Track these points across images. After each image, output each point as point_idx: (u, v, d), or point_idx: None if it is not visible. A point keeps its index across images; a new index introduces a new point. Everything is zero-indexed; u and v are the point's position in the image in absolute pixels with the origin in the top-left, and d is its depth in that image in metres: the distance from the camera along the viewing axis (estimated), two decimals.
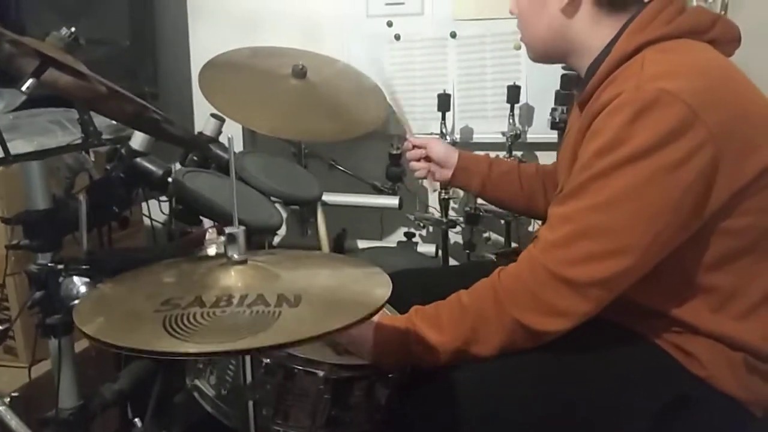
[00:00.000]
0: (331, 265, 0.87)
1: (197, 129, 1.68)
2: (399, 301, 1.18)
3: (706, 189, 0.89)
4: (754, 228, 0.94)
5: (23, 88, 0.71)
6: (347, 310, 0.66)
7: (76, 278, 1.01)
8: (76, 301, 0.98)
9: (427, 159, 1.45)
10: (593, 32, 1.04)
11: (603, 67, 0.99)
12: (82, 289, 1.00)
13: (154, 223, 1.44)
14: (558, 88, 1.70)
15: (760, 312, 0.97)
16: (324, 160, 2.00)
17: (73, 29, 0.88)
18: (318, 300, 0.70)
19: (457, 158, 1.43)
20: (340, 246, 1.83)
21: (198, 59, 2.12)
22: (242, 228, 0.74)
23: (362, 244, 1.85)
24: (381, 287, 0.72)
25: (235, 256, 0.74)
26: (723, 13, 1.69)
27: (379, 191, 1.94)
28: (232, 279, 0.73)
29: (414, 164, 1.45)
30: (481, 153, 1.51)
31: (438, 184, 1.45)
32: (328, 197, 1.83)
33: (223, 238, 0.74)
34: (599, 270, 0.90)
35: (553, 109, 1.70)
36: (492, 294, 0.96)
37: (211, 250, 0.77)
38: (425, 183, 1.44)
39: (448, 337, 0.98)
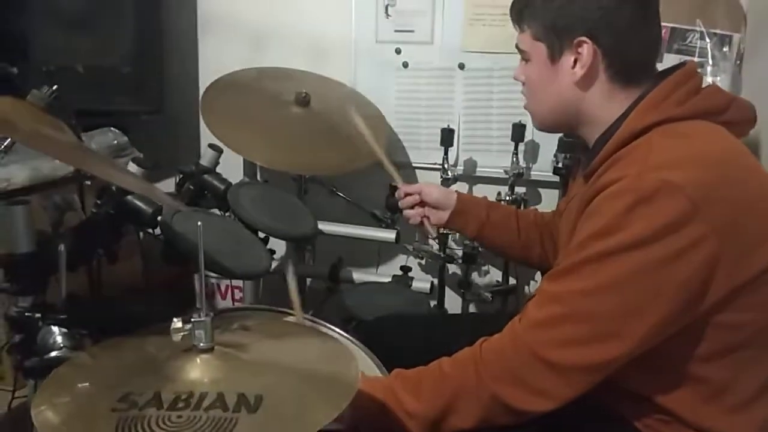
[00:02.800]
0: (299, 351, 0.85)
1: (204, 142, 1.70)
2: (385, 347, 1.19)
3: (703, 284, 0.85)
4: (753, 323, 0.90)
5: None
6: (305, 421, 0.65)
7: (54, 327, 1.01)
8: (53, 353, 0.98)
9: (422, 204, 1.42)
10: (606, 106, 1.01)
11: (610, 144, 0.96)
12: (59, 339, 1.00)
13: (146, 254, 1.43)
14: (561, 134, 1.66)
15: (754, 407, 0.94)
16: (325, 187, 1.98)
17: (55, 87, 0.87)
18: (279, 402, 0.69)
19: (455, 201, 1.40)
20: (335, 275, 1.83)
21: (206, 75, 2.12)
22: (209, 318, 0.73)
23: (357, 274, 1.83)
24: (345, 389, 0.71)
25: (201, 344, 0.73)
26: (738, 62, 1.65)
27: (379, 220, 1.92)
28: (196, 371, 0.72)
29: (407, 212, 1.42)
30: (480, 196, 1.48)
31: (434, 230, 1.41)
32: (325, 227, 1.82)
33: (189, 326, 0.73)
34: (584, 356, 0.88)
35: (556, 155, 1.67)
36: (473, 366, 0.95)
37: (177, 338, 0.76)
38: (425, 229, 1.41)
39: (427, 405, 0.96)
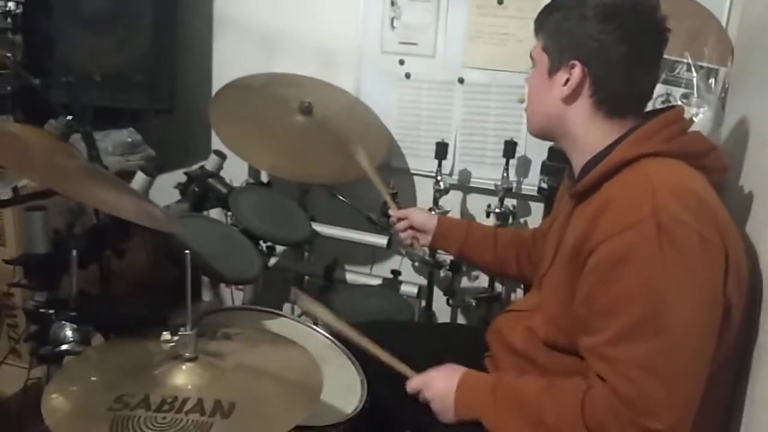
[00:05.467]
0: (273, 359, 0.96)
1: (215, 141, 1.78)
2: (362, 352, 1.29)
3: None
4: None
5: None
6: (271, 427, 0.76)
7: (65, 323, 1.13)
8: (64, 346, 1.10)
9: (412, 227, 1.55)
10: (588, 130, 1.10)
11: (598, 170, 1.04)
12: (69, 333, 1.12)
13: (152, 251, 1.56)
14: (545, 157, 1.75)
15: None
16: (325, 189, 2.09)
17: (69, 117, 0.98)
18: (250, 409, 0.80)
19: (436, 224, 1.52)
20: (330, 275, 1.94)
21: (219, 76, 2.23)
22: (194, 332, 0.84)
23: (351, 275, 1.94)
24: (309, 397, 0.82)
25: (187, 354, 0.85)
26: (723, 95, 1.71)
27: (374, 224, 2.02)
28: (181, 377, 0.83)
29: (402, 234, 1.56)
30: (461, 219, 1.60)
31: (421, 251, 1.55)
32: (322, 229, 1.93)
33: (176, 338, 0.85)
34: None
35: (541, 179, 1.76)
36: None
37: (166, 347, 0.87)
38: (414, 247, 1.56)
39: None
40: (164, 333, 0.86)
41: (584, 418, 0.97)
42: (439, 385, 1.15)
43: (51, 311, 1.14)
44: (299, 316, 1.44)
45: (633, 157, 1.02)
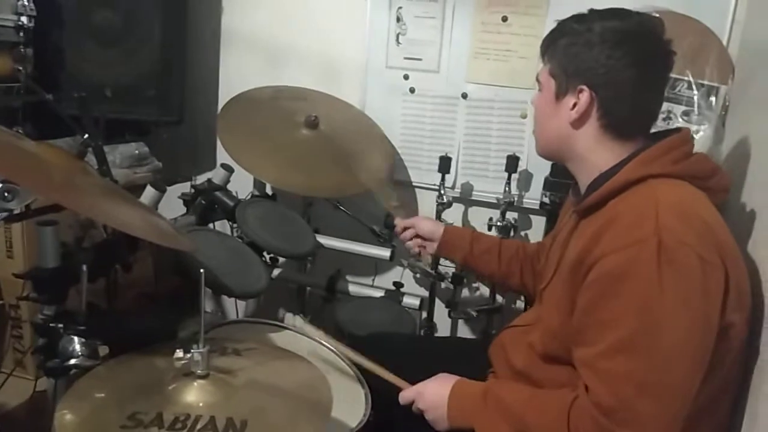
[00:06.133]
0: (282, 376, 0.98)
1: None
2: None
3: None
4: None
5: None
6: None
7: (73, 337, 1.14)
8: (72, 361, 1.11)
9: (418, 236, 1.57)
10: (596, 151, 1.11)
11: (607, 186, 1.06)
12: (78, 348, 1.13)
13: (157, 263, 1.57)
14: (548, 174, 1.77)
15: None
16: (329, 201, 2.10)
17: (86, 136, 0.99)
18: (261, 426, 0.82)
19: (442, 233, 1.54)
20: (332, 287, 1.95)
21: (226, 88, 2.25)
22: (206, 350, 0.86)
23: (353, 287, 1.96)
24: (320, 415, 0.83)
25: (199, 371, 0.86)
26: (723, 113, 1.73)
27: (377, 235, 2.04)
28: (193, 394, 0.85)
29: (407, 243, 1.59)
30: (466, 228, 1.61)
31: (429, 258, 1.57)
32: (326, 241, 1.95)
33: (189, 355, 0.86)
34: None
35: (543, 192, 1.77)
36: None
37: (178, 365, 0.89)
38: (422, 257, 1.58)
39: None
40: (177, 351, 0.87)
41: (569, 428, 0.98)
42: (432, 394, 1.17)
43: (60, 325, 1.15)
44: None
45: (639, 177, 1.03)
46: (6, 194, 0.98)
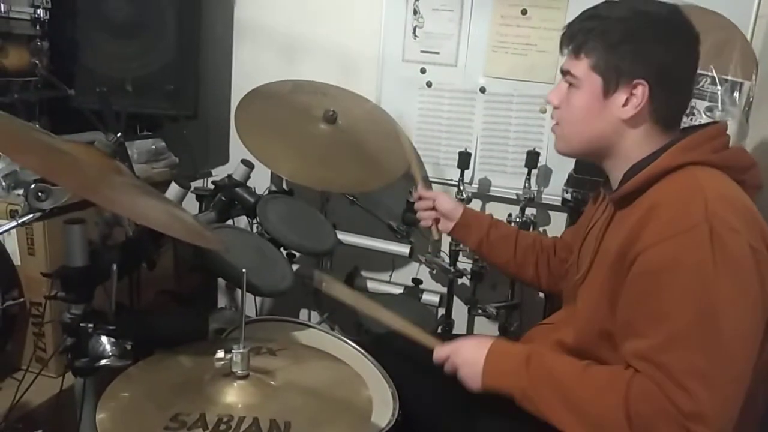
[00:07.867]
0: (318, 376, 0.97)
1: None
2: (394, 361, 1.29)
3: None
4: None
5: None
6: None
7: (103, 337, 1.13)
8: (103, 361, 1.10)
9: (435, 209, 1.55)
10: (641, 144, 1.09)
11: (646, 172, 1.04)
12: (108, 348, 1.12)
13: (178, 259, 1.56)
14: (572, 169, 1.76)
15: None
16: (346, 197, 2.09)
17: (119, 134, 0.98)
18: (304, 427, 0.81)
19: (461, 213, 1.52)
20: (350, 283, 1.95)
21: (239, 82, 2.23)
22: (246, 350, 0.85)
23: (372, 283, 1.95)
24: (360, 416, 0.83)
25: (239, 372, 0.85)
26: (747, 109, 1.72)
27: (394, 231, 2.03)
28: (233, 395, 0.84)
29: (421, 213, 1.57)
30: (486, 213, 1.59)
31: (438, 234, 1.56)
32: (344, 237, 1.93)
33: (229, 356, 0.85)
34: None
35: (565, 188, 1.76)
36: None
37: (218, 365, 0.88)
38: (432, 230, 1.56)
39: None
40: (218, 351, 0.86)
41: (627, 407, 0.95)
42: (469, 350, 1.13)
43: (90, 325, 1.14)
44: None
45: (680, 164, 1.03)
46: (40, 194, 0.97)
